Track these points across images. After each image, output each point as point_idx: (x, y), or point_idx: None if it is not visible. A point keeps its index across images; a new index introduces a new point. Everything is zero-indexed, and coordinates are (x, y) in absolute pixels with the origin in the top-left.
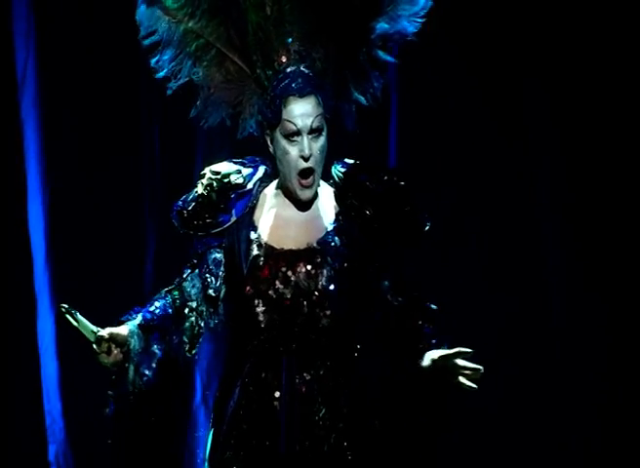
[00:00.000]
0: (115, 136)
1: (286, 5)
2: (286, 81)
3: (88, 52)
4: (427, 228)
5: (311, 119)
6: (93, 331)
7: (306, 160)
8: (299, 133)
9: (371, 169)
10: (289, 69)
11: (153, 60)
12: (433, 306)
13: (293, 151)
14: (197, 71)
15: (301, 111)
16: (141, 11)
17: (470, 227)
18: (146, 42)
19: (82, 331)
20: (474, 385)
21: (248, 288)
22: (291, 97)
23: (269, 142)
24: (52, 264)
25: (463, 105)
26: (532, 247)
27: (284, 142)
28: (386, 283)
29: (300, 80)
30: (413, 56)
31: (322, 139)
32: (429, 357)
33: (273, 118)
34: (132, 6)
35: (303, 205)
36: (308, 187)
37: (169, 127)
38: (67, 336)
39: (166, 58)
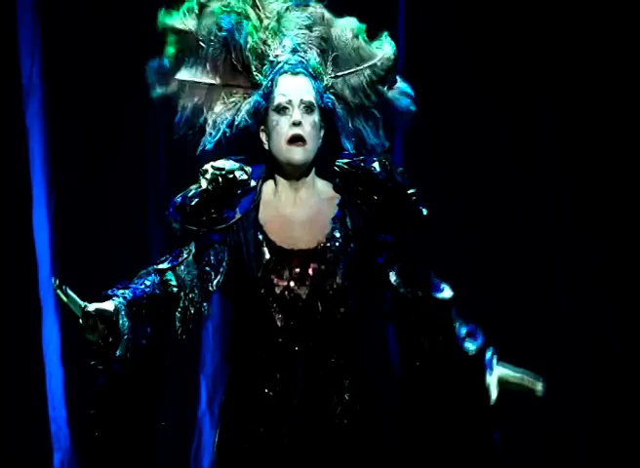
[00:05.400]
0: (120, 144)
1: (282, 17)
2: (279, 65)
3: (93, 60)
4: (426, 214)
5: (302, 92)
6: (80, 307)
7: (296, 126)
8: (289, 104)
9: (371, 156)
10: (282, 56)
11: (175, 128)
12: (445, 296)
13: (283, 121)
14: (205, 113)
15: (293, 85)
16: (157, 91)
17: (477, 230)
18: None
19: (71, 306)
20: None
21: (262, 290)
22: (283, 75)
23: (264, 138)
24: (57, 271)
25: (469, 112)
26: (539, 248)
27: (275, 117)
28: (394, 272)
29: (292, 61)
30: (418, 64)
31: (314, 116)
32: (495, 378)
33: (266, 100)
34: (135, 12)
35: (297, 189)
36: (299, 147)
37: (173, 132)
38: (72, 344)
39: (181, 119)
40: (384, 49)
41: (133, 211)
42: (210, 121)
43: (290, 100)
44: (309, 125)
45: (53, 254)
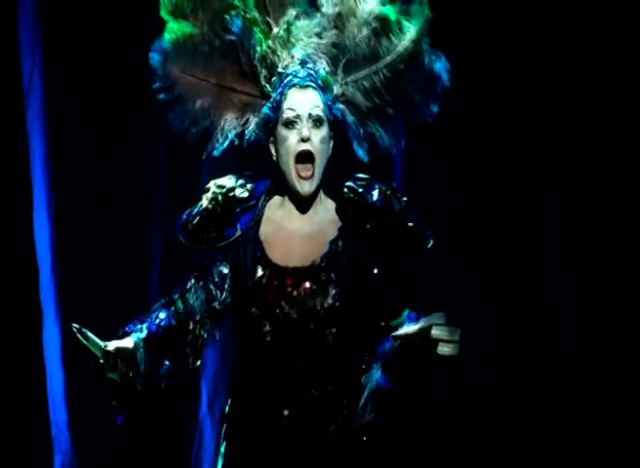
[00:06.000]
0: (121, 146)
1: (292, 25)
2: (288, 78)
3: (94, 62)
4: (430, 245)
5: (311, 106)
6: (100, 347)
7: (305, 141)
8: (298, 118)
9: (374, 183)
10: (291, 69)
11: (171, 116)
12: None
13: (291, 136)
14: (212, 117)
15: (301, 99)
16: (155, 60)
17: (477, 238)
18: (162, 97)
19: (90, 347)
20: (453, 350)
21: (253, 308)
22: (292, 90)
23: (273, 150)
24: (57, 276)
25: (468, 118)
26: (539, 250)
27: (284, 131)
28: (390, 296)
29: (300, 74)
30: None
31: (323, 131)
32: (405, 331)
33: (275, 114)
34: (139, 15)
35: (304, 204)
36: (307, 179)
37: (175, 138)
38: (73, 347)
39: (182, 112)
40: (406, 39)
41: (134, 213)
42: (218, 126)
43: (298, 115)
44: (318, 140)
45: (53, 257)
